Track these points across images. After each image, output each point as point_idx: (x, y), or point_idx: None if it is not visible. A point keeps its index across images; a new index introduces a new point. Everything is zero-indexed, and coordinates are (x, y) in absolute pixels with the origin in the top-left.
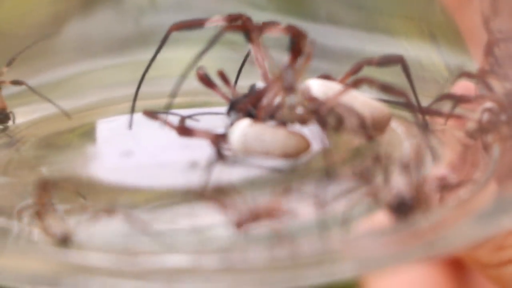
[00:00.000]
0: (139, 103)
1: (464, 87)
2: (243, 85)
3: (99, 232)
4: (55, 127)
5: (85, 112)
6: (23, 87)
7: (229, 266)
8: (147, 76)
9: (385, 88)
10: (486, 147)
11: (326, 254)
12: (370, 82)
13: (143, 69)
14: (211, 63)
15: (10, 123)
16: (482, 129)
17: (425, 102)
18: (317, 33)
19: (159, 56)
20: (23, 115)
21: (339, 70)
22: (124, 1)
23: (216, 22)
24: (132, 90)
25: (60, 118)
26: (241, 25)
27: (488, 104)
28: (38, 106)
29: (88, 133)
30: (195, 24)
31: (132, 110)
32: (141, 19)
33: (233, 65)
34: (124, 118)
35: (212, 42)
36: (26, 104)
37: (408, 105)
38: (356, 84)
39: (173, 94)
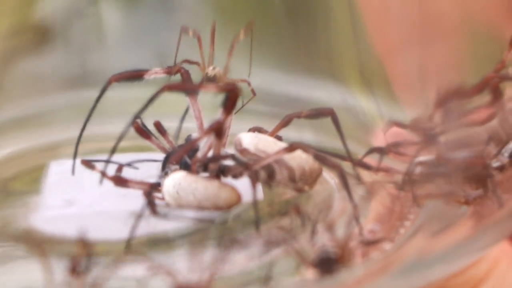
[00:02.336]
0: (88, 146)
1: (395, 134)
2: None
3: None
4: (3, 173)
5: (36, 154)
6: None
7: None
8: (95, 116)
9: (319, 158)
10: (416, 200)
11: None
12: (304, 149)
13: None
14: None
15: None
16: (413, 182)
17: (361, 149)
18: (263, 78)
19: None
20: None
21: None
22: (71, 40)
23: (155, 74)
24: (87, 130)
25: (9, 162)
26: (179, 85)
27: (423, 157)
28: None
29: (35, 180)
30: (135, 76)
31: (75, 155)
32: (87, 57)
33: None
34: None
35: (149, 101)
36: None
37: (340, 177)
38: (290, 149)
39: (113, 149)
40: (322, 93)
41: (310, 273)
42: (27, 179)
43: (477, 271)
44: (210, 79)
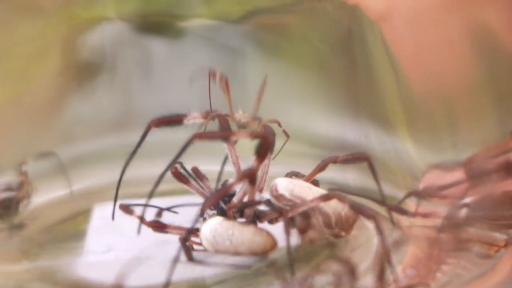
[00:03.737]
0: (134, 189)
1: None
2: None
3: None
4: (54, 216)
5: (83, 197)
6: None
7: None
8: (141, 159)
9: (355, 208)
10: (458, 243)
11: None
12: (341, 199)
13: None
14: None
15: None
16: (456, 224)
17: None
18: (306, 120)
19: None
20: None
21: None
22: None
23: (194, 119)
24: (132, 173)
25: (56, 207)
26: (209, 134)
27: (468, 199)
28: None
29: (80, 223)
30: (174, 121)
31: (115, 200)
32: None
33: None
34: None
35: (181, 151)
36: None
37: (376, 227)
38: (326, 198)
39: (151, 194)
40: (365, 137)
41: None
42: (73, 224)
43: None
44: (243, 126)
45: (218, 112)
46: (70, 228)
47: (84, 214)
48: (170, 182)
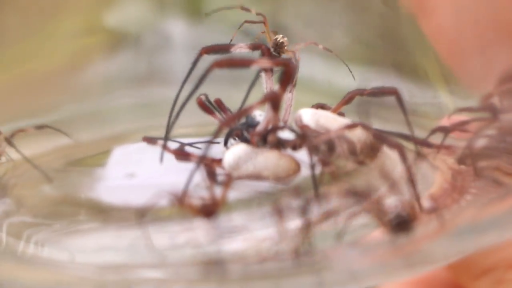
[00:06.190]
0: (156, 133)
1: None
2: None
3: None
4: (74, 155)
5: (103, 141)
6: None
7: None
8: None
9: (380, 138)
10: (478, 173)
11: (311, 265)
12: (365, 128)
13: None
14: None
15: None
16: (474, 155)
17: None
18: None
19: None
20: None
21: None
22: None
23: (240, 48)
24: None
25: (78, 147)
26: (227, 61)
27: (490, 131)
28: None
29: (101, 159)
30: (222, 49)
31: (167, 133)
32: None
33: None
34: (136, 146)
35: (201, 79)
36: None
37: (402, 157)
38: (351, 127)
39: (171, 125)
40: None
41: (381, 232)
42: (94, 160)
43: None
44: (278, 46)
45: (262, 43)
46: (91, 163)
47: (104, 154)
48: (192, 126)
